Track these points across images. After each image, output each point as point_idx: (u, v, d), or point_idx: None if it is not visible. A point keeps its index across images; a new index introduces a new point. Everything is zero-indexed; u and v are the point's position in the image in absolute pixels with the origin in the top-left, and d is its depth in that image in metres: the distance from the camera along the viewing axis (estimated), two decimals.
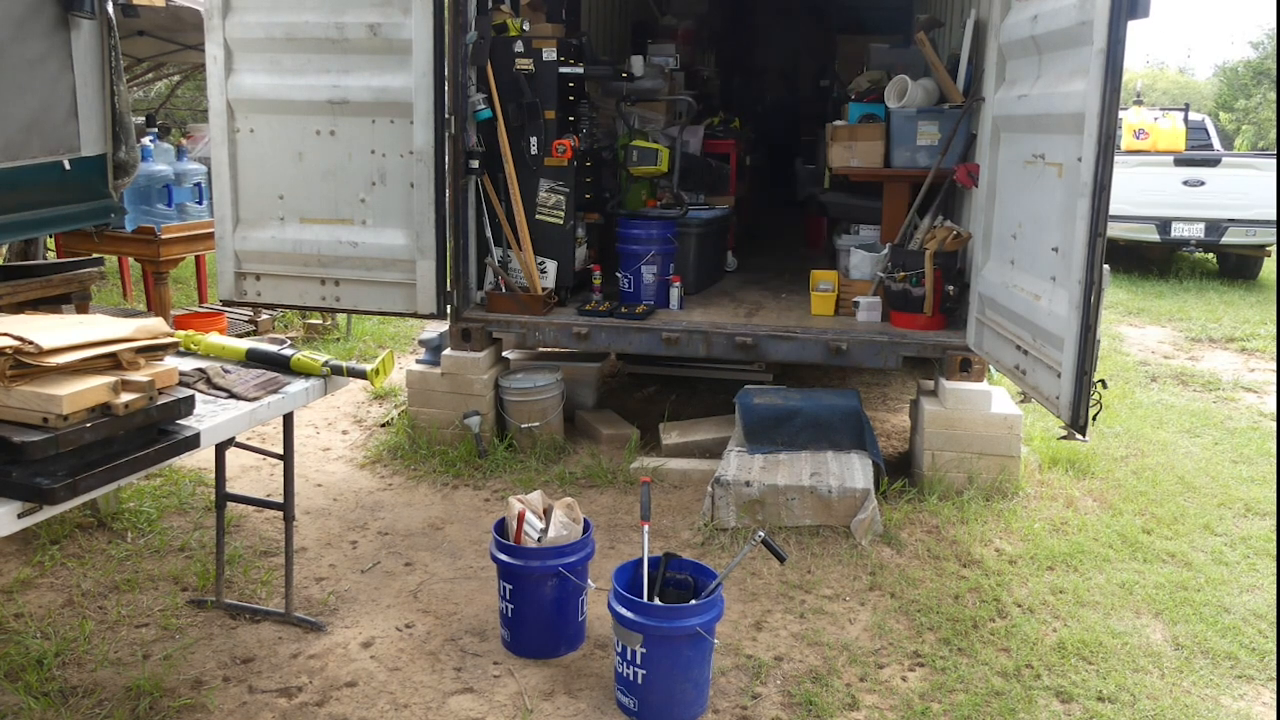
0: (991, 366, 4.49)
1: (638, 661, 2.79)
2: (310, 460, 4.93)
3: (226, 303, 5.23)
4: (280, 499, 3.32)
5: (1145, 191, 10.63)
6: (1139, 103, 13.19)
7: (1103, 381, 3.52)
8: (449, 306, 4.92)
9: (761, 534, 2.98)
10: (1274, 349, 7.83)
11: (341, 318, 7.41)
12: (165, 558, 3.80)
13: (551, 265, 5.24)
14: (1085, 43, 3.28)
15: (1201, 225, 10.60)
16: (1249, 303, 9.98)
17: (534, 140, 5.09)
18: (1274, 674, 3.15)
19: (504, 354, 5.34)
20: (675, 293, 5.36)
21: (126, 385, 2.23)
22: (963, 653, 3.24)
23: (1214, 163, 10.86)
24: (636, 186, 6.07)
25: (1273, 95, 23.36)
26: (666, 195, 5.90)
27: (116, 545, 3.87)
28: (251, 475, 4.68)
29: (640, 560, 3.01)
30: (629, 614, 2.80)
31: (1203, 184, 10.65)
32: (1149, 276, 11.34)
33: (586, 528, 3.26)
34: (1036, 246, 3.76)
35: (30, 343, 2.09)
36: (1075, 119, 3.34)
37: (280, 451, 3.29)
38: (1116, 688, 3.05)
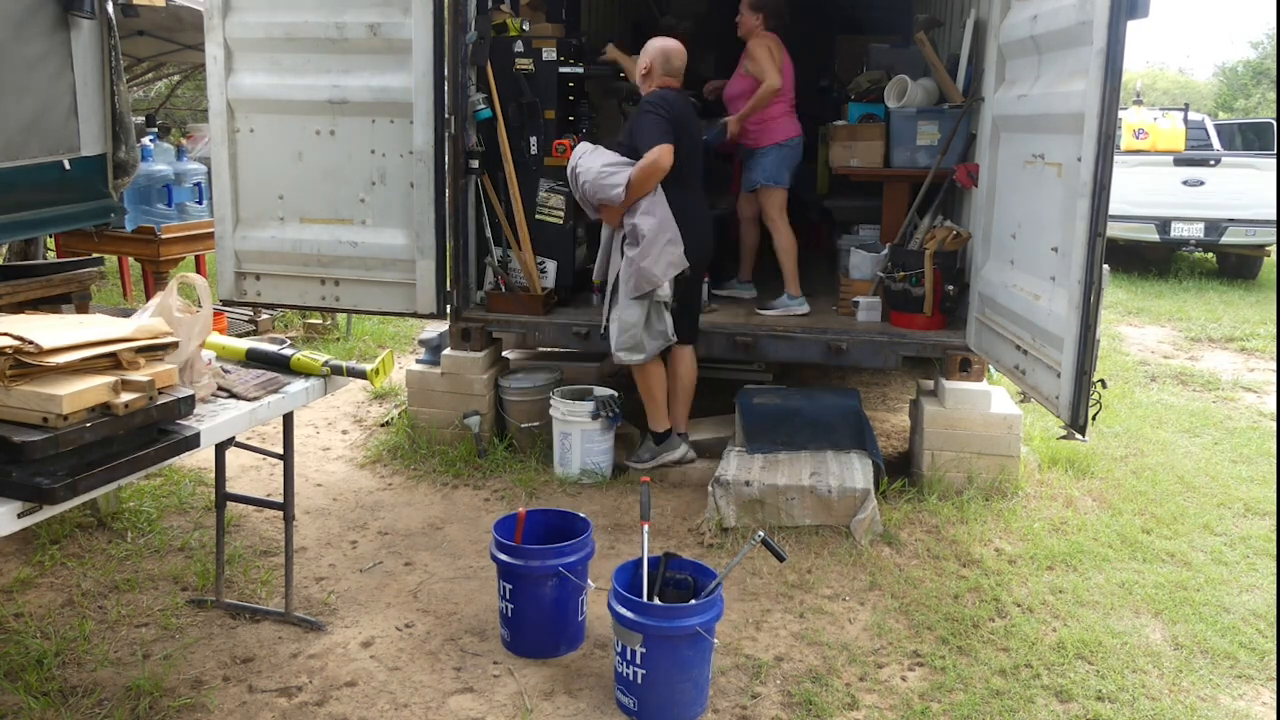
0: (991, 366, 4.49)
1: (638, 661, 2.79)
2: (310, 460, 4.93)
3: (226, 302, 5.23)
4: (280, 499, 3.32)
5: (1145, 191, 10.63)
6: (1139, 103, 13.20)
7: (1102, 381, 3.52)
8: (449, 306, 4.92)
9: (761, 534, 2.98)
10: (1274, 349, 7.83)
11: (341, 317, 7.41)
12: (165, 558, 3.80)
13: (551, 265, 5.24)
14: (1085, 43, 3.28)
15: (1201, 225, 10.61)
16: (1249, 303, 9.98)
17: (534, 140, 5.09)
18: (1274, 674, 3.15)
19: (504, 354, 5.34)
20: (704, 288, 5.40)
21: (126, 385, 2.23)
22: (962, 652, 3.25)
23: (1214, 163, 10.87)
24: None
25: (1273, 95, 23.37)
26: None
27: (116, 545, 3.87)
28: (251, 475, 4.68)
29: (640, 560, 3.01)
30: (629, 614, 2.80)
31: (1202, 184, 10.66)
32: (1149, 276, 11.35)
33: (586, 528, 3.26)
34: (1036, 246, 3.76)
35: (30, 343, 2.09)
36: (1075, 119, 3.34)
37: (280, 451, 3.29)
38: (1116, 687, 3.05)
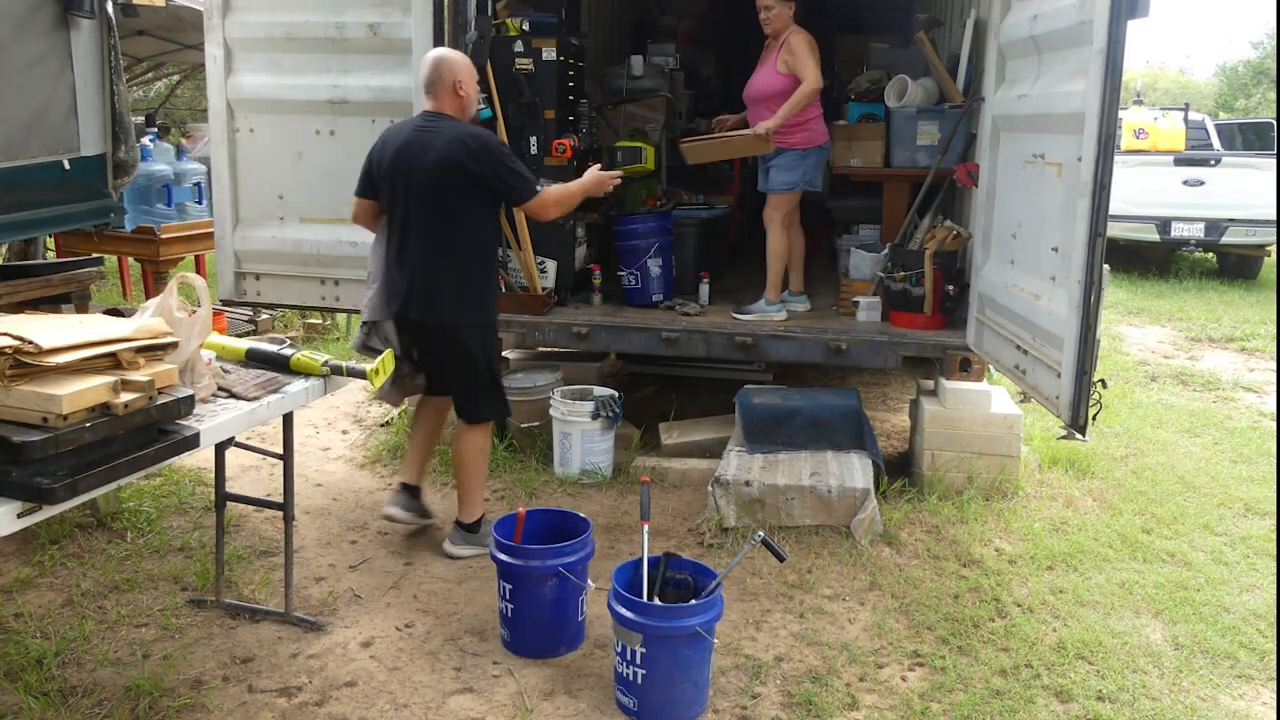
0: (991, 366, 4.49)
1: (637, 661, 2.79)
2: (310, 460, 4.93)
3: (226, 303, 5.23)
4: (280, 499, 3.32)
5: (1145, 191, 10.63)
6: (1139, 103, 13.20)
7: (1103, 381, 3.52)
8: None
9: (761, 534, 2.98)
10: (1274, 349, 7.83)
11: (341, 317, 7.41)
12: (165, 558, 3.80)
13: (551, 265, 5.24)
14: (1085, 42, 3.28)
15: (1201, 225, 10.61)
16: (1249, 303, 9.98)
17: (534, 140, 5.09)
18: (1274, 674, 3.15)
19: (504, 354, 5.34)
20: (705, 288, 5.46)
21: (126, 385, 2.23)
22: (962, 652, 3.25)
23: (1214, 163, 10.87)
24: (634, 187, 6.08)
25: (1273, 95, 23.37)
26: (664, 197, 5.95)
27: (116, 545, 3.87)
28: (251, 475, 4.68)
29: (640, 560, 3.01)
30: (629, 614, 2.80)
31: (1203, 184, 10.66)
32: (1149, 276, 11.34)
33: (587, 527, 3.26)
34: (1036, 246, 3.76)
35: (30, 343, 2.09)
36: (1075, 119, 3.34)
37: (280, 451, 3.29)
38: (1116, 688, 3.05)
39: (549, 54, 5.01)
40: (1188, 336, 8.45)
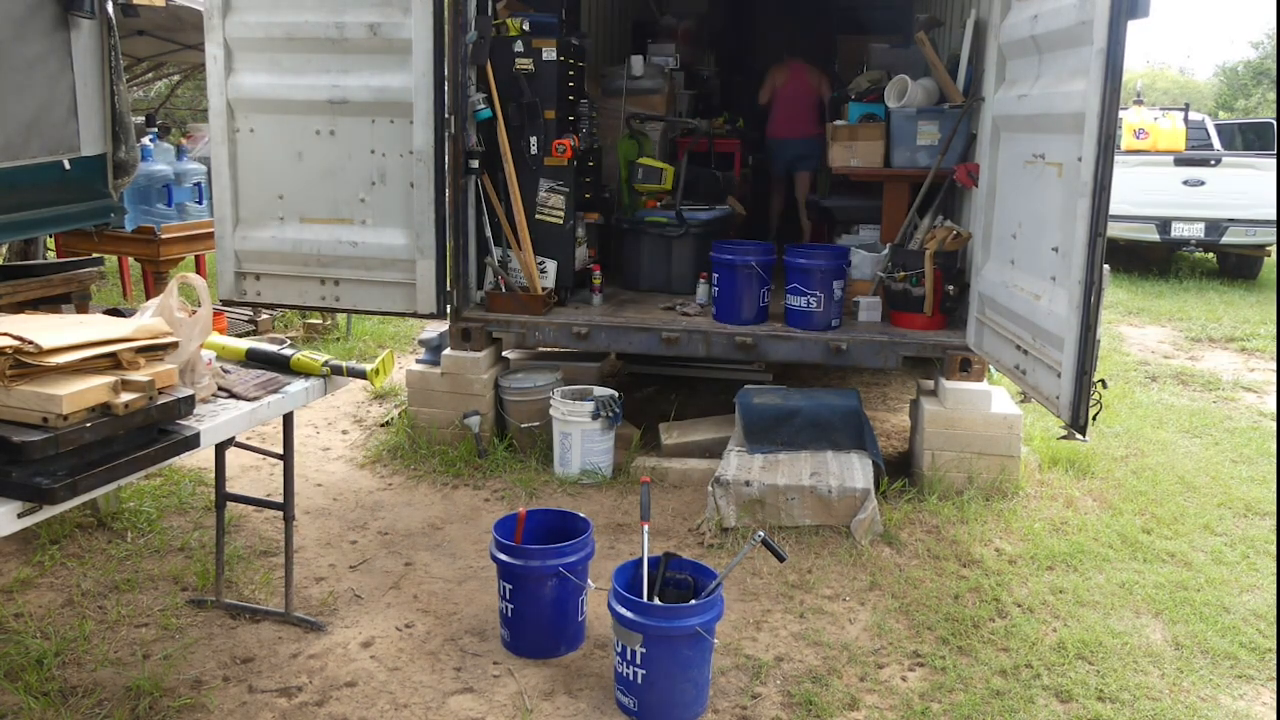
0: (991, 366, 4.49)
1: (637, 661, 2.79)
2: (310, 460, 4.93)
3: (226, 303, 5.23)
4: (280, 499, 3.32)
5: (1145, 191, 10.63)
6: (1139, 103, 13.19)
7: (1103, 381, 3.52)
8: (449, 306, 4.92)
9: (761, 534, 2.98)
10: (1274, 349, 7.83)
11: (341, 317, 7.41)
12: (165, 558, 3.80)
13: (551, 265, 5.24)
14: (1085, 43, 3.28)
15: (1201, 225, 10.61)
16: (1249, 303, 9.98)
17: (534, 140, 5.09)
18: (1274, 674, 3.15)
19: (504, 354, 5.34)
20: (704, 288, 5.45)
21: (126, 385, 2.23)
22: (962, 652, 3.25)
23: (1214, 163, 10.87)
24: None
25: (1273, 95, 23.38)
26: (666, 197, 5.96)
27: (116, 545, 3.87)
28: (251, 475, 4.68)
29: (640, 560, 3.01)
30: (629, 614, 2.80)
31: (1203, 184, 10.66)
32: (1149, 276, 11.34)
33: (587, 527, 3.26)
34: (1036, 246, 3.76)
35: (30, 343, 2.09)
36: (1075, 119, 3.34)
37: (280, 451, 3.29)
38: (1116, 688, 3.05)
39: (549, 54, 5.02)
40: (1188, 336, 8.45)
